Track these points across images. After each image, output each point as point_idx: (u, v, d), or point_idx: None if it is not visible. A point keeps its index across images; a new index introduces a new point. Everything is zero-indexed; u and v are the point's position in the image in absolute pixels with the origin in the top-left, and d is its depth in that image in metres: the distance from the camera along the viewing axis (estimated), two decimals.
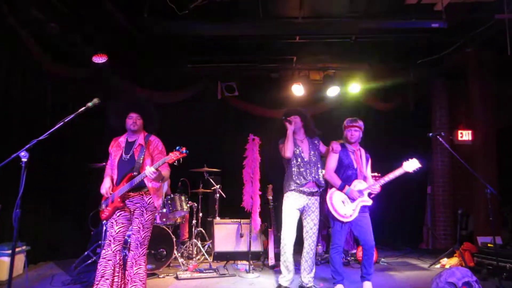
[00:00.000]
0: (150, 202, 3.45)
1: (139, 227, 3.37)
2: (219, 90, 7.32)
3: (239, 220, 5.53)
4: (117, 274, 3.33)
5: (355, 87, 7.01)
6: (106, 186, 3.46)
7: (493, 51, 5.96)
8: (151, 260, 4.90)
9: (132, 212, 3.42)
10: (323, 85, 7.07)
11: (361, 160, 4.15)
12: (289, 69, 7.13)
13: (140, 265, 3.39)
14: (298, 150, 4.12)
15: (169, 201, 5.49)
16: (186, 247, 5.82)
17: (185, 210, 5.56)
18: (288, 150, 4.04)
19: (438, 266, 5.57)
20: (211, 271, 4.95)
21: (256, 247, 5.36)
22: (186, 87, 7.21)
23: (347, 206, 3.98)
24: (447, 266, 5.46)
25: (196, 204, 5.90)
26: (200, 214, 6.13)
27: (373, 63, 6.93)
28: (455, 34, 5.84)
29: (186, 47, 6.43)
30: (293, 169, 4.08)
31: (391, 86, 7.18)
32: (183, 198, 5.59)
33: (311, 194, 4.08)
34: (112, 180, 3.51)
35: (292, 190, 4.05)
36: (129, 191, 3.39)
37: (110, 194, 3.41)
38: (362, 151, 4.25)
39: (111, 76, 6.20)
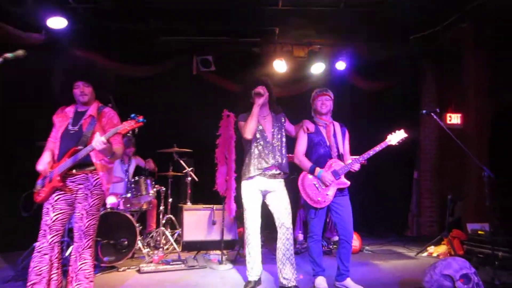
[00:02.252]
0: (97, 183, 2.90)
1: (82, 214, 2.81)
2: (195, 65, 6.73)
3: (212, 205, 5.00)
4: (55, 271, 2.77)
5: (342, 65, 6.51)
6: (44, 162, 2.88)
7: (492, 26, 5.50)
8: (111, 251, 4.35)
9: (75, 196, 2.85)
10: (307, 62, 6.56)
11: (336, 136, 3.65)
12: (271, 44, 6.56)
13: (85, 259, 2.82)
14: (260, 129, 3.56)
15: (132, 185, 4.94)
16: (152, 236, 5.29)
17: (151, 195, 5.03)
18: (250, 131, 3.46)
19: (425, 254, 5.22)
20: (179, 262, 4.44)
21: (230, 235, 4.86)
22: (158, 61, 6.58)
23: (320, 191, 3.51)
24: (434, 255, 5.12)
25: (164, 189, 5.36)
26: (170, 200, 5.61)
27: (362, 40, 6.44)
28: (450, 8, 5.38)
29: (159, 17, 5.80)
30: (253, 151, 3.53)
31: (380, 65, 6.72)
32: (149, 181, 5.04)
33: (273, 176, 3.54)
34: (53, 155, 2.93)
35: (251, 176, 3.50)
36: (71, 168, 2.82)
37: (49, 171, 2.83)
38: (337, 125, 3.75)
39: (71, 46, 5.55)
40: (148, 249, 4.99)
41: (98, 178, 2.91)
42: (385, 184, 6.94)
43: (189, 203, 5.42)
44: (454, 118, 6.92)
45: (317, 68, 6.48)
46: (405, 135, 3.65)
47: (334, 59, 6.55)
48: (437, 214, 6.85)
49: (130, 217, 4.57)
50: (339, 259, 3.56)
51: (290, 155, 4.08)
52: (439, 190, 6.88)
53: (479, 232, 4.77)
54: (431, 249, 5.21)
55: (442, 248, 5.09)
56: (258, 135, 3.55)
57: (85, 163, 2.86)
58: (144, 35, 6.22)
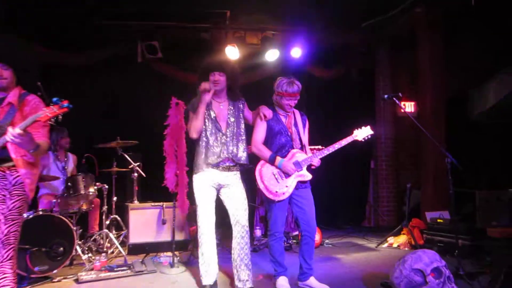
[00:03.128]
0: (16, 182, 2.41)
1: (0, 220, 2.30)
2: (139, 52, 6.15)
3: (161, 203, 4.53)
4: None
5: (297, 52, 6.25)
6: None
7: (444, 10, 5.46)
8: (43, 260, 3.78)
9: None
10: (261, 48, 6.23)
11: (297, 125, 3.37)
12: (222, 29, 6.15)
13: (4, 273, 2.33)
14: (212, 117, 3.17)
15: (69, 183, 4.35)
16: (95, 239, 4.74)
17: (91, 194, 4.46)
18: (195, 130, 3.10)
19: (385, 245, 5.10)
20: (124, 268, 3.96)
21: (182, 235, 4.43)
22: (98, 47, 5.95)
23: (280, 182, 3.19)
24: (395, 245, 5.02)
25: (106, 186, 4.80)
26: (115, 199, 5.06)
27: (316, 27, 6.21)
28: None
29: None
30: (204, 142, 3.14)
31: (335, 52, 6.55)
32: (88, 179, 4.47)
33: (227, 169, 3.17)
34: None
35: (202, 170, 3.13)
36: None
37: None
38: (297, 113, 3.46)
39: None
40: (90, 254, 4.45)
41: (18, 176, 2.43)
42: (341, 174, 6.80)
43: (136, 202, 4.92)
44: (408, 107, 6.92)
45: (271, 55, 6.18)
46: (371, 132, 3.51)
47: (289, 46, 6.26)
48: (394, 204, 6.84)
49: (65, 219, 4.00)
50: (301, 257, 3.27)
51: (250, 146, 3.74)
52: (396, 179, 6.87)
53: (438, 220, 4.72)
54: (391, 239, 5.11)
55: (402, 238, 5.00)
56: (210, 125, 3.16)
57: (1, 159, 2.36)
58: (81, 18, 5.56)
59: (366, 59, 6.87)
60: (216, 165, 3.11)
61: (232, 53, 6.03)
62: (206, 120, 3.16)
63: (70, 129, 5.00)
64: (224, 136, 3.16)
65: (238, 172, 3.26)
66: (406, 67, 6.65)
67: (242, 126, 3.29)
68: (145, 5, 5.51)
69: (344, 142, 3.32)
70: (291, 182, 3.21)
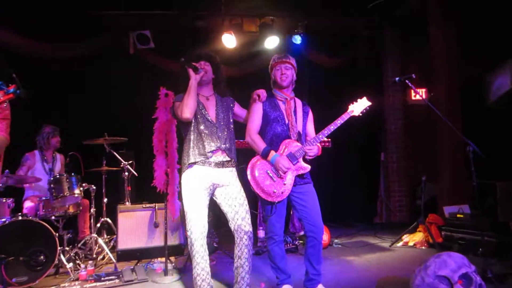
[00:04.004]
0: None
1: None
2: (131, 43, 5.78)
3: (153, 205, 4.14)
4: None
5: (298, 38, 5.82)
6: None
7: None
8: (21, 270, 3.43)
9: None
10: (260, 36, 5.81)
11: (296, 113, 2.98)
12: (218, 16, 5.74)
13: None
14: (200, 108, 2.79)
15: (52, 185, 3.99)
16: (85, 244, 4.38)
17: (76, 195, 4.10)
18: (188, 108, 2.67)
19: (400, 244, 4.69)
20: (113, 277, 3.61)
21: (176, 239, 4.05)
22: (87, 38, 5.58)
23: (276, 180, 2.79)
24: (410, 244, 4.61)
25: (94, 187, 4.43)
26: (105, 200, 4.70)
27: (318, 11, 5.77)
28: None
29: None
30: (192, 133, 2.75)
31: (338, 37, 6.11)
32: (74, 179, 4.11)
33: (221, 164, 2.78)
34: None
35: (192, 164, 2.72)
36: None
37: None
38: (298, 101, 3.07)
39: None
40: (78, 261, 4.10)
41: None
42: (350, 169, 6.39)
43: (127, 203, 4.54)
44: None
45: (271, 43, 5.75)
46: (369, 103, 3.08)
47: (289, 32, 5.84)
48: (407, 198, 6.40)
49: (45, 224, 3.64)
50: (307, 261, 2.87)
51: (239, 140, 3.35)
52: (408, 172, 6.42)
53: (458, 215, 4.29)
54: (406, 237, 4.68)
55: (418, 236, 4.57)
56: (197, 115, 2.77)
57: None
58: (65, 6, 5.18)
59: (373, 44, 6.40)
60: (208, 160, 2.72)
61: (229, 41, 5.63)
62: (195, 111, 2.77)
63: (57, 125, 4.67)
64: (213, 127, 2.77)
65: (234, 169, 2.87)
66: (417, 52, 6.17)
67: (231, 122, 2.93)
68: None
69: (339, 121, 2.90)
70: (289, 179, 2.80)
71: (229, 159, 2.80)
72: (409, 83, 3.43)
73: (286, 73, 2.93)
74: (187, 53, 2.92)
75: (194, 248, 2.67)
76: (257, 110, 2.93)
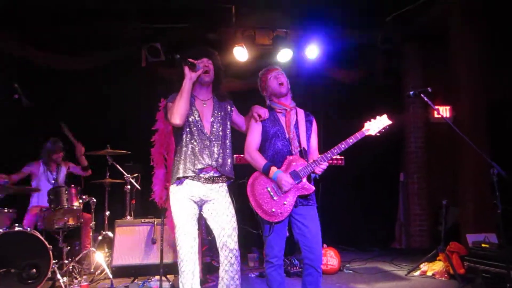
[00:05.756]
0: None
1: None
2: (144, 56, 5.74)
3: (152, 220, 3.97)
4: None
5: (313, 51, 5.62)
6: None
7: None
8: (12, 283, 3.34)
9: None
10: (273, 48, 5.65)
11: (298, 126, 2.74)
12: (230, 28, 5.64)
13: None
14: (195, 116, 2.58)
15: (51, 196, 3.90)
16: (82, 259, 4.25)
17: (75, 207, 3.99)
18: (178, 113, 2.45)
19: (417, 273, 4.29)
20: None
21: (173, 256, 3.84)
22: (99, 51, 5.58)
23: (276, 199, 2.56)
24: (429, 273, 4.22)
25: (94, 200, 4.32)
26: (107, 213, 4.58)
27: (333, 24, 5.58)
28: None
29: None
30: (183, 146, 2.55)
31: (355, 51, 5.87)
32: (73, 190, 4.02)
33: (211, 180, 2.57)
34: None
35: (181, 178, 2.53)
36: None
37: None
38: (300, 111, 2.83)
39: None
40: (75, 275, 3.97)
41: None
42: (366, 188, 6.04)
43: (129, 217, 4.40)
44: (442, 111, 6.08)
45: (284, 56, 5.57)
46: (389, 122, 2.74)
47: (303, 45, 5.65)
48: (428, 223, 5.97)
49: (40, 237, 3.54)
50: None
51: (239, 155, 3.13)
52: (430, 195, 6.01)
53: (483, 245, 3.88)
54: (425, 266, 4.28)
55: (438, 265, 4.17)
56: (192, 126, 2.58)
57: None
58: (78, 20, 5.22)
59: (392, 58, 6.12)
60: (197, 176, 2.53)
61: (241, 54, 5.49)
62: (188, 119, 2.60)
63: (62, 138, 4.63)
64: (207, 141, 2.58)
65: (225, 185, 2.66)
66: (439, 66, 5.83)
67: (228, 131, 2.71)
68: (147, 5, 5.12)
69: (352, 140, 2.62)
70: (290, 199, 2.57)
71: (219, 175, 2.60)
72: (425, 98, 3.12)
73: (281, 79, 2.73)
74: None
75: (182, 265, 2.48)
76: (256, 126, 2.73)
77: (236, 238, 2.56)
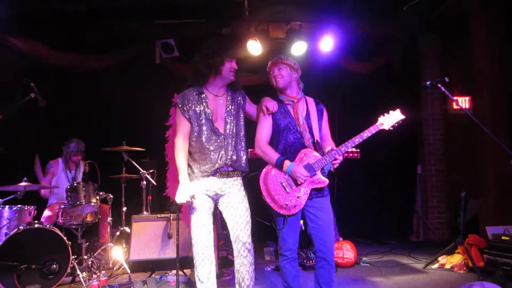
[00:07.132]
0: None
1: None
2: (158, 53, 5.79)
3: (168, 215, 4.03)
4: None
5: (327, 43, 5.54)
6: None
7: None
8: (34, 278, 3.44)
9: None
10: (287, 41, 5.61)
11: (309, 117, 2.72)
12: (243, 22, 5.62)
13: None
14: (208, 114, 2.61)
15: (69, 193, 3.98)
16: (100, 254, 4.33)
17: (93, 204, 4.07)
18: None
19: (435, 266, 4.24)
20: None
21: (189, 251, 3.87)
22: (115, 49, 5.66)
23: (289, 192, 2.56)
24: (447, 266, 4.16)
25: (111, 196, 4.39)
26: (124, 209, 4.65)
27: (348, 15, 5.48)
28: None
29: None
30: (196, 145, 2.61)
31: (371, 42, 5.77)
32: (90, 187, 4.09)
33: (226, 175, 2.62)
34: None
35: (197, 179, 2.60)
36: None
37: None
38: (310, 100, 2.81)
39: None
40: (94, 270, 4.05)
41: None
42: (383, 181, 5.97)
43: (145, 213, 4.47)
44: (462, 102, 5.92)
45: (298, 49, 5.52)
46: (402, 116, 2.79)
47: (318, 37, 5.57)
48: (447, 215, 5.87)
49: (59, 233, 3.62)
50: (317, 283, 2.61)
51: (252, 150, 3.13)
52: (448, 187, 5.89)
53: (503, 237, 3.79)
54: (443, 259, 4.22)
55: (456, 258, 4.11)
56: (204, 126, 2.61)
57: None
58: (91, 19, 5.29)
59: (409, 48, 5.99)
60: (213, 173, 2.57)
61: (254, 48, 5.46)
62: (200, 119, 2.62)
63: (80, 134, 4.71)
64: (222, 138, 2.60)
65: (239, 178, 2.69)
66: (458, 56, 5.68)
67: (242, 124, 2.73)
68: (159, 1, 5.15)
69: (366, 134, 2.63)
70: (304, 192, 2.56)
71: (234, 169, 2.62)
72: (442, 88, 3.05)
73: (280, 74, 2.71)
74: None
75: (197, 259, 2.55)
76: (265, 120, 2.72)
77: (249, 232, 2.60)
